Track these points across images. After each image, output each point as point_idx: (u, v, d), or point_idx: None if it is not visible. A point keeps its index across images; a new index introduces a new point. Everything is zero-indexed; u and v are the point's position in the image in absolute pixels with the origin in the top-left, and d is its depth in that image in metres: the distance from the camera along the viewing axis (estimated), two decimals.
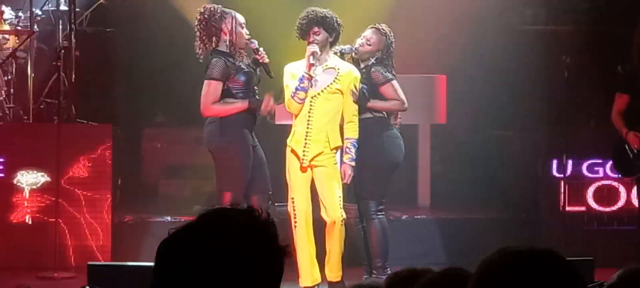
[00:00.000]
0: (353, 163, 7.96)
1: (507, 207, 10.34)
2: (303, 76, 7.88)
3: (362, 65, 8.13)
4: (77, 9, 10.43)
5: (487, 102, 10.86)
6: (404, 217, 10.03)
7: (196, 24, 8.01)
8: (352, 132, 7.99)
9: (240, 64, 7.96)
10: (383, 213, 8.16)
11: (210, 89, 7.90)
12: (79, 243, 9.37)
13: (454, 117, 10.79)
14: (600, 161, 9.92)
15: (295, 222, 7.95)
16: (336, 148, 7.99)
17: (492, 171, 10.78)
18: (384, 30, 8.16)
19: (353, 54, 8.16)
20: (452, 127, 10.84)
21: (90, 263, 6.86)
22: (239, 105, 7.90)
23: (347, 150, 7.98)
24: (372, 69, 8.09)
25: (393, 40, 8.16)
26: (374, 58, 8.10)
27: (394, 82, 8.14)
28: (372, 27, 8.17)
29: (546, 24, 11.18)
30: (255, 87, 8.06)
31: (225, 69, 7.88)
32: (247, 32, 8.03)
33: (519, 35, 11.22)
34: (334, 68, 7.96)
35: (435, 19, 10.94)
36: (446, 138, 10.95)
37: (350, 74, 7.96)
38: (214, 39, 7.94)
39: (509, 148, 10.86)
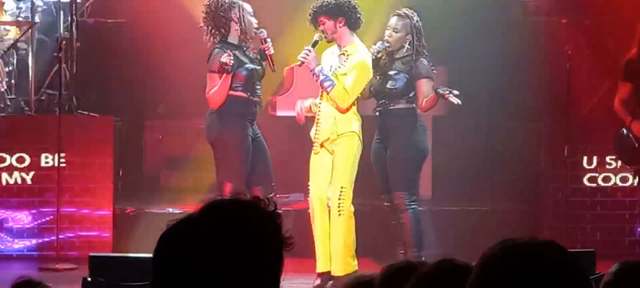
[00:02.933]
0: (317, 71, 7.90)
1: (509, 198, 10.34)
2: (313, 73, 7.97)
3: (400, 55, 8.14)
4: (78, 0, 10.43)
5: (488, 93, 10.85)
6: None
7: (203, 16, 8.00)
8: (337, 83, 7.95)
9: (244, 58, 7.98)
10: (416, 203, 8.18)
11: (211, 82, 7.94)
12: (80, 235, 9.38)
13: (456, 108, 10.76)
14: (602, 152, 9.91)
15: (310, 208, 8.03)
16: (343, 135, 7.98)
17: (493, 162, 10.78)
18: (405, 13, 8.19)
19: (386, 49, 8.18)
20: (453, 119, 10.82)
21: (91, 254, 6.85)
22: (224, 81, 7.89)
23: (324, 71, 7.94)
24: (419, 60, 8.09)
25: (418, 20, 8.16)
26: (408, 43, 8.12)
27: (431, 82, 8.12)
28: (394, 14, 8.22)
29: (548, 15, 11.16)
30: (258, 83, 8.07)
31: (224, 62, 7.88)
32: (256, 21, 8.05)
33: (521, 26, 11.20)
34: (344, 53, 8.01)
35: (436, 10, 10.92)
36: (448, 129, 10.94)
37: (358, 62, 7.95)
38: (222, 30, 7.95)
39: (510, 140, 10.85)
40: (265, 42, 8.02)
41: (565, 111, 9.76)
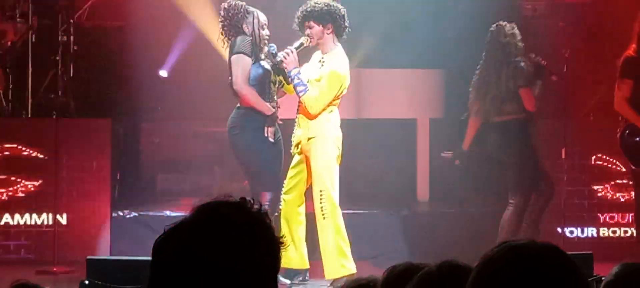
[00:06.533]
0: (293, 74, 7.91)
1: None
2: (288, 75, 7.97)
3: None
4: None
5: None
6: (403, 211, 10.03)
7: (220, 17, 8.06)
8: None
9: (259, 57, 8.02)
10: None
11: (242, 63, 7.91)
12: (77, 238, 9.37)
13: (453, 111, 10.78)
14: (599, 155, 9.92)
15: None
16: (314, 138, 7.97)
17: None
18: None
19: None
20: (450, 121, 10.83)
21: (89, 257, 6.84)
22: (266, 108, 7.90)
23: (300, 75, 7.95)
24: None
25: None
26: None
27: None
28: None
29: (545, 18, 11.17)
30: (273, 85, 8.06)
31: (253, 46, 7.93)
32: (268, 34, 8.05)
33: (519, 29, 11.19)
34: (321, 61, 8.01)
35: (433, 13, 10.93)
36: (445, 132, 10.93)
37: (330, 71, 7.94)
38: (234, 34, 8.00)
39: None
40: (275, 57, 8.00)
41: (563, 114, 9.77)
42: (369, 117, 10.56)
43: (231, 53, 7.98)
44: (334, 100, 7.97)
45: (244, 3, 8.08)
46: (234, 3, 8.05)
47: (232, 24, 8.00)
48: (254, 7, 8.14)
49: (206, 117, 10.54)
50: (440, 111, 10.75)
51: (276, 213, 7.97)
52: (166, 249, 2.21)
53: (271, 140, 7.94)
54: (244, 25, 7.99)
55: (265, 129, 7.92)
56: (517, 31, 8.91)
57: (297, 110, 8.05)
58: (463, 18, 10.73)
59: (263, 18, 8.07)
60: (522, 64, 8.79)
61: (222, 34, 8.07)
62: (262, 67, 7.99)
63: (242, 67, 7.93)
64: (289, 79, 7.96)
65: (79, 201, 9.46)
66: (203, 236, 2.19)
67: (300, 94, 7.90)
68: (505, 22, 8.95)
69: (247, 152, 8.05)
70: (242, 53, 7.92)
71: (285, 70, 7.94)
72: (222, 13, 8.06)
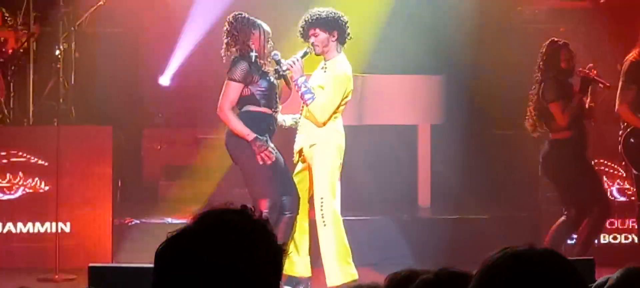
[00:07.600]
0: (300, 82, 7.90)
1: (507, 206, 10.33)
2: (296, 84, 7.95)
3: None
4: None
5: (486, 101, 10.86)
6: (404, 218, 10.03)
7: (225, 29, 7.91)
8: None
9: (264, 69, 7.91)
10: None
11: (230, 89, 7.81)
12: (79, 245, 9.37)
13: (454, 117, 10.78)
14: (601, 160, 9.91)
15: None
16: (315, 145, 7.94)
17: (492, 170, 10.78)
18: None
19: None
20: (451, 127, 10.84)
21: (90, 265, 6.84)
22: (246, 133, 7.80)
23: (307, 83, 7.94)
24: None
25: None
26: None
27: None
28: None
29: (546, 23, 11.17)
30: (277, 95, 8.00)
31: (247, 72, 7.78)
32: (272, 44, 7.97)
33: (518, 34, 11.22)
34: (324, 68, 7.99)
35: (434, 18, 10.94)
36: (446, 138, 10.95)
37: (335, 76, 7.93)
38: (239, 48, 7.86)
39: (508, 148, 10.85)
40: (280, 63, 7.94)
41: None
42: (369, 123, 10.56)
43: (227, 75, 7.89)
44: (339, 106, 7.97)
45: (247, 16, 7.94)
46: (240, 17, 7.91)
47: (238, 39, 7.87)
48: (257, 16, 8.05)
49: (207, 123, 10.54)
50: (441, 117, 10.75)
51: (289, 215, 7.89)
52: (168, 256, 2.22)
53: (268, 163, 7.83)
54: (251, 42, 7.88)
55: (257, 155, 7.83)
56: (566, 50, 8.92)
57: (299, 119, 8.03)
58: (464, 24, 10.74)
59: (268, 30, 7.99)
60: (551, 81, 8.79)
61: (225, 46, 7.93)
62: (268, 80, 7.91)
63: (229, 93, 7.81)
64: (296, 88, 7.93)
65: (80, 208, 9.46)
66: (205, 243, 2.20)
67: (308, 102, 7.87)
68: (559, 40, 9.00)
69: (249, 159, 7.92)
70: (234, 81, 7.82)
71: (292, 79, 7.92)
72: (227, 27, 7.93)
